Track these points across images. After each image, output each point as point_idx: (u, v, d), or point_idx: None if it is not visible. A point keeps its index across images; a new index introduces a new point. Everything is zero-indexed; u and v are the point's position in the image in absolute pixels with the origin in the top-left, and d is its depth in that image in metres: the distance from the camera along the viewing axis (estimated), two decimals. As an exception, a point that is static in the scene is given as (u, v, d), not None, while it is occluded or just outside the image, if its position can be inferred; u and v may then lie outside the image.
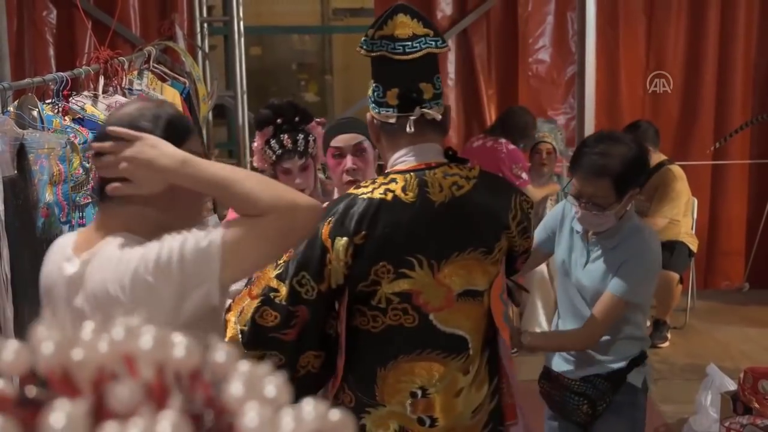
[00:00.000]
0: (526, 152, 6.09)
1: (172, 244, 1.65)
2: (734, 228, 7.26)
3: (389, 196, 2.20)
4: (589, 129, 6.89)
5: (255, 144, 3.39)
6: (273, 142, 3.30)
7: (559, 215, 3.07)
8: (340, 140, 3.05)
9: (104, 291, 1.68)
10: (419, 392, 2.28)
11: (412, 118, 2.22)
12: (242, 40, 6.37)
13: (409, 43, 2.19)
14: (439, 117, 2.26)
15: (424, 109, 2.22)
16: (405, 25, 2.20)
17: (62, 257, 1.81)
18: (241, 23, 6.33)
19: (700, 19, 6.90)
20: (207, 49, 6.66)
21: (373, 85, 2.26)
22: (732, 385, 4.24)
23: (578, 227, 2.96)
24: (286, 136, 3.30)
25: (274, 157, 3.30)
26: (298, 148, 3.29)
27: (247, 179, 1.70)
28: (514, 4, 6.91)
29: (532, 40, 6.99)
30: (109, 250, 1.72)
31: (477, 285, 2.32)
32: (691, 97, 6.99)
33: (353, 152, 3.05)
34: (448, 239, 2.26)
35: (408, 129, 2.22)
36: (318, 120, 3.43)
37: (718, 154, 6.78)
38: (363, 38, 2.25)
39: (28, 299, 2.81)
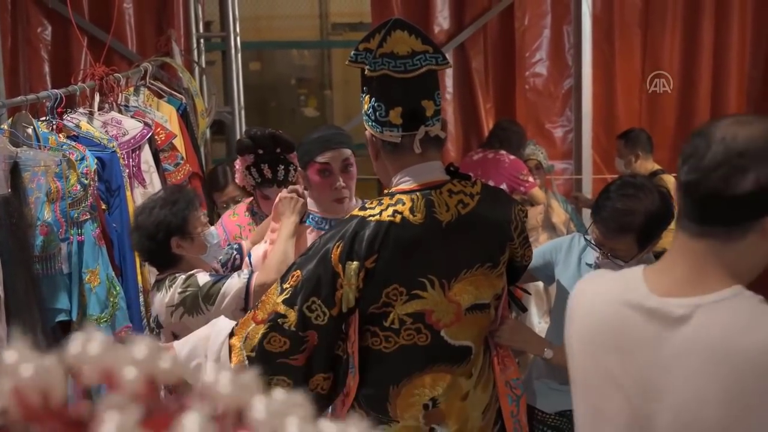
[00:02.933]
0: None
1: None
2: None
3: (398, 218, 2.19)
4: (587, 141, 6.92)
5: (236, 166, 3.42)
6: (253, 170, 3.35)
7: (563, 247, 3.04)
8: (329, 157, 3.00)
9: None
10: (430, 403, 2.30)
11: (418, 137, 2.21)
12: (239, 55, 6.38)
13: (410, 60, 2.18)
14: (443, 135, 2.27)
15: (427, 127, 2.22)
16: (403, 42, 2.19)
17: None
18: (238, 39, 6.34)
19: (695, 32, 6.92)
20: (204, 65, 6.65)
21: (375, 103, 2.23)
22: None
23: (589, 260, 2.91)
24: (266, 166, 3.34)
25: (254, 183, 3.35)
26: (278, 178, 3.34)
27: None
28: (511, 18, 6.92)
29: (528, 54, 7.00)
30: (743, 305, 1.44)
31: (484, 298, 2.33)
32: (686, 110, 7.00)
33: (342, 169, 3.03)
34: (457, 258, 2.27)
35: (415, 149, 2.22)
36: None
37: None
38: (354, 53, 2.23)
39: (22, 319, 2.80)
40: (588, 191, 6.80)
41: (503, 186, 5.95)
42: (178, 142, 4.45)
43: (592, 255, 2.91)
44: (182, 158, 4.39)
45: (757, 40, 7.02)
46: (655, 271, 1.49)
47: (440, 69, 2.26)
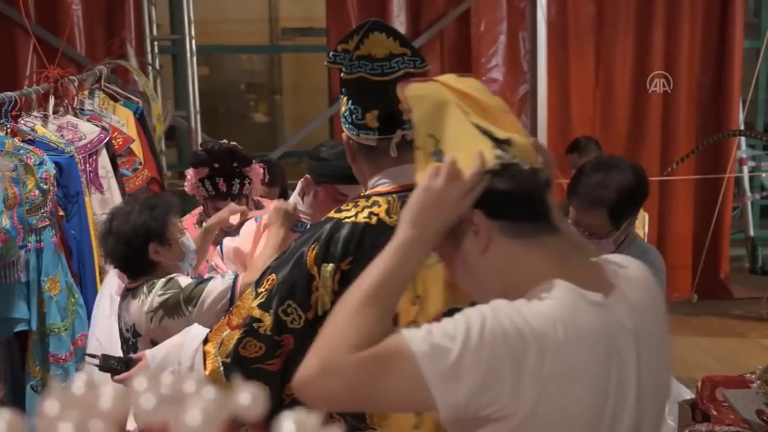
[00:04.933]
0: None
1: None
2: (681, 242, 7.43)
3: (373, 219, 2.14)
4: (542, 147, 6.95)
5: (188, 175, 3.38)
6: (207, 183, 3.34)
7: None
8: (350, 190, 2.89)
9: None
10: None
11: (394, 141, 2.17)
12: (194, 59, 6.26)
13: (387, 63, 2.13)
14: None
15: (404, 131, 2.17)
16: (381, 44, 2.14)
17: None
18: (193, 42, 6.23)
19: (647, 39, 7.08)
20: (158, 68, 6.53)
21: (351, 106, 2.19)
22: (688, 394, 4.30)
23: None
24: (221, 180, 3.34)
25: (206, 195, 3.31)
26: (233, 192, 3.34)
27: None
28: (467, 23, 6.94)
29: (485, 60, 7.02)
30: None
31: (460, 304, 2.28)
32: (639, 115, 7.13)
33: (353, 198, 3.01)
34: None
35: (391, 153, 2.17)
36: (259, 164, 3.44)
37: (667, 172, 6.89)
38: (333, 53, 2.18)
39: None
40: (544, 197, 6.83)
41: None
42: (136, 147, 4.35)
43: None
44: (140, 163, 4.29)
45: (707, 46, 7.21)
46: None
47: (418, 72, 2.21)
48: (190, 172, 3.38)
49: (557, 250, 1.43)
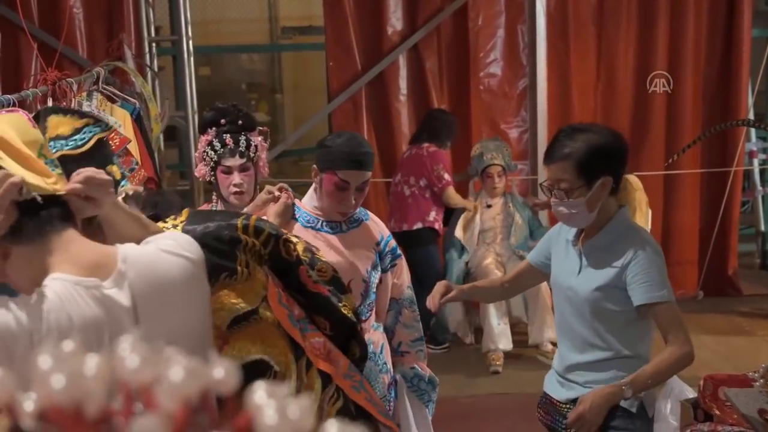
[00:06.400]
0: (449, 151, 6.24)
1: None
2: (687, 237, 7.31)
3: None
4: (542, 141, 6.93)
5: (197, 151, 3.43)
6: (215, 141, 3.37)
7: (554, 234, 3.01)
8: (351, 176, 2.99)
9: None
10: None
11: None
12: (192, 59, 6.29)
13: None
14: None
15: None
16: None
17: None
18: (190, 43, 6.26)
19: (650, 31, 6.96)
20: (156, 69, 6.55)
21: None
22: (691, 393, 4.26)
23: (570, 236, 2.88)
24: (228, 136, 3.38)
25: (215, 157, 3.37)
26: (240, 148, 3.38)
27: None
28: (465, 18, 6.91)
29: (483, 54, 6.99)
30: None
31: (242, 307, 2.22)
32: (642, 108, 7.04)
33: (358, 188, 3.03)
34: None
35: None
36: (261, 128, 3.50)
37: (670, 165, 6.82)
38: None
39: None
40: (544, 192, 6.80)
41: (423, 182, 6.01)
42: (133, 147, 4.35)
43: (572, 231, 2.88)
44: (137, 163, 4.29)
45: (712, 38, 7.09)
46: None
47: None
48: (198, 148, 3.47)
49: (59, 246, 1.66)
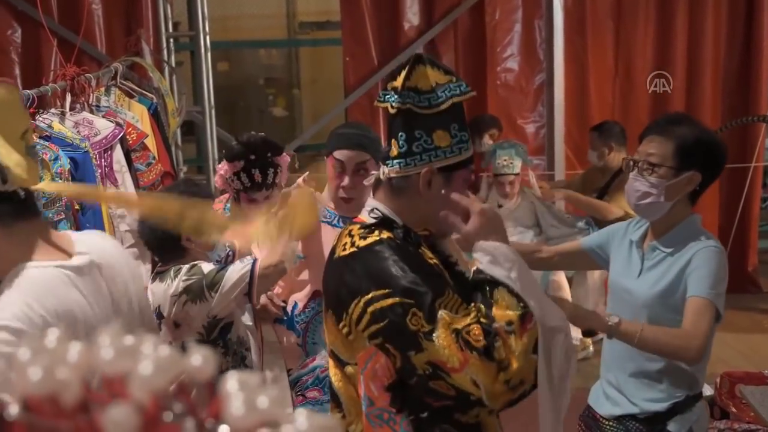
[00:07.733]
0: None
1: None
2: (707, 233, 7.21)
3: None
4: (559, 136, 6.92)
5: (221, 170, 3.42)
6: (243, 175, 3.38)
7: (620, 231, 2.86)
8: (343, 155, 2.96)
9: None
10: None
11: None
12: (209, 55, 6.32)
13: (434, 94, 1.96)
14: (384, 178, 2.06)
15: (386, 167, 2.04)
16: (425, 76, 1.97)
17: None
18: (207, 38, 6.28)
19: (668, 25, 6.92)
20: (174, 64, 6.59)
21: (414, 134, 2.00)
22: (708, 390, 4.24)
23: (635, 236, 2.75)
24: (257, 171, 3.38)
25: (241, 188, 3.37)
26: (267, 182, 3.39)
27: None
28: (481, 13, 6.91)
29: (500, 49, 6.99)
30: None
31: None
32: (661, 103, 6.99)
33: (354, 170, 2.98)
34: None
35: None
36: (288, 153, 3.53)
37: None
38: (382, 92, 2.01)
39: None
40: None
41: None
42: (150, 142, 4.39)
43: (638, 232, 2.76)
44: (154, 158, 4.33)
45: (732, 31, 7.02)
46: None
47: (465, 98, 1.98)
48: (223, 167, 3.41)
49: (28, 235, 1.75)
